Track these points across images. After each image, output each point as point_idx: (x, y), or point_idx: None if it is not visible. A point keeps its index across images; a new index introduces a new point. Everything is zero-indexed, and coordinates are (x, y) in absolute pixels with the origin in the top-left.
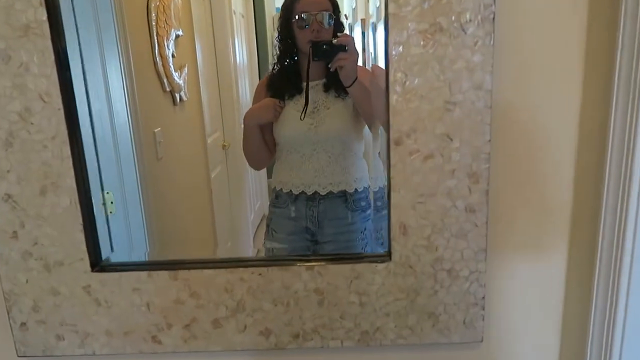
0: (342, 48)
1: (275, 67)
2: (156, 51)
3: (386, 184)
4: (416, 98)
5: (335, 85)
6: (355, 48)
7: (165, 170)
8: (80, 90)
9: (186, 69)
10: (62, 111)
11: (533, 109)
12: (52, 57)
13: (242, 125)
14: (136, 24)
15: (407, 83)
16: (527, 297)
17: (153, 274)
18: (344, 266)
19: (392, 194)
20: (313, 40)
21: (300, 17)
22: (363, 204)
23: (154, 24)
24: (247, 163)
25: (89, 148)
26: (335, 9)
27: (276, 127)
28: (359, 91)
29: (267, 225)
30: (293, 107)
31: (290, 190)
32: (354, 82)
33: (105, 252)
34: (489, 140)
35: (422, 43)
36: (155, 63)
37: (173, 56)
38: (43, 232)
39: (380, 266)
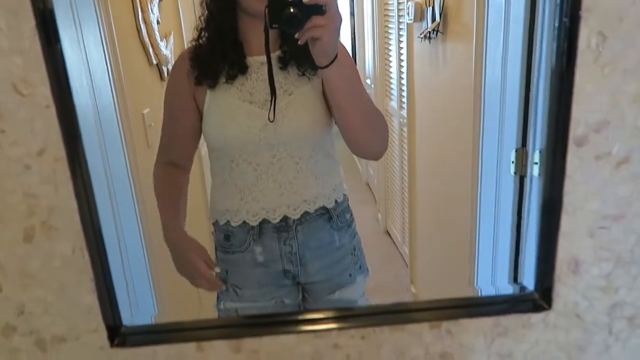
0: (317, 10)
1: (203, 34)
2: (139, 17)
3: (540, 202)
4: (617, 73)
5: (296, 59)
6: (337, 10)
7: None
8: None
9: (172, 37)
10: (52, 109)
11: None
12: (33, 21)
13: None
14: None
15: (604, 50)
16: None
17: (204, 346)
18: (485, 320)
19: (563, 218)
20: None
21: None
22: (348, 216)
23: None
24: None
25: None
26: None
27: (209, 127)
28: (338, 75)
29: (222, 282)
30: (235, 95)
31: (244, 222)
32: (332, 60)
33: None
34: None
35: None
36: (139, 31)
37: (158, 22)
38: (31, 296)
39: (536, 318)
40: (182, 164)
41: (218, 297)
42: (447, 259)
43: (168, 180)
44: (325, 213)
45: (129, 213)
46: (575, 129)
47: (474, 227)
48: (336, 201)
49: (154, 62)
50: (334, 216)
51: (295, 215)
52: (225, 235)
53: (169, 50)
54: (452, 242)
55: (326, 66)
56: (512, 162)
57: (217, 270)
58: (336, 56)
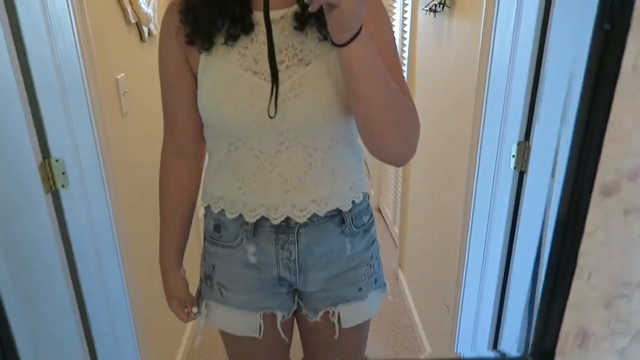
0: None
1: None
2: None
3: (545, 266)
4: None
5: (318, 17)
6: None
7: (132, 130)
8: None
9: None
10: None
11: None
12: None
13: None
14: None
15: None
16: None
17: None
18: None
19: (575, 283)
20: None
21: None
22: (365, 219)
23: None
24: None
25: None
26: None
27: (203, 100)
28: (360, 56)
29: (208, 277)
30: (236, 62)
31: (241, 216)
32: (356, 35)
33: None
34: None
35: None
36: None
37: None
38: None
39: None
40: (190, 148)
41: (200, 294)
42: (437, 244)
43: (176, 191)
44: (337, 215)
45: (99, 199)
46: (604, 175)
47: (467, 218)
48: (353, 202)
49: (132, 20)
50: (348, 219)
51: (300, 218)
52: (216, 225)
53: (151, 8)
54: (443, 230)
55: (345, 44)
56: (513, 155)
57: (195, 311)
58: (360, 31)
